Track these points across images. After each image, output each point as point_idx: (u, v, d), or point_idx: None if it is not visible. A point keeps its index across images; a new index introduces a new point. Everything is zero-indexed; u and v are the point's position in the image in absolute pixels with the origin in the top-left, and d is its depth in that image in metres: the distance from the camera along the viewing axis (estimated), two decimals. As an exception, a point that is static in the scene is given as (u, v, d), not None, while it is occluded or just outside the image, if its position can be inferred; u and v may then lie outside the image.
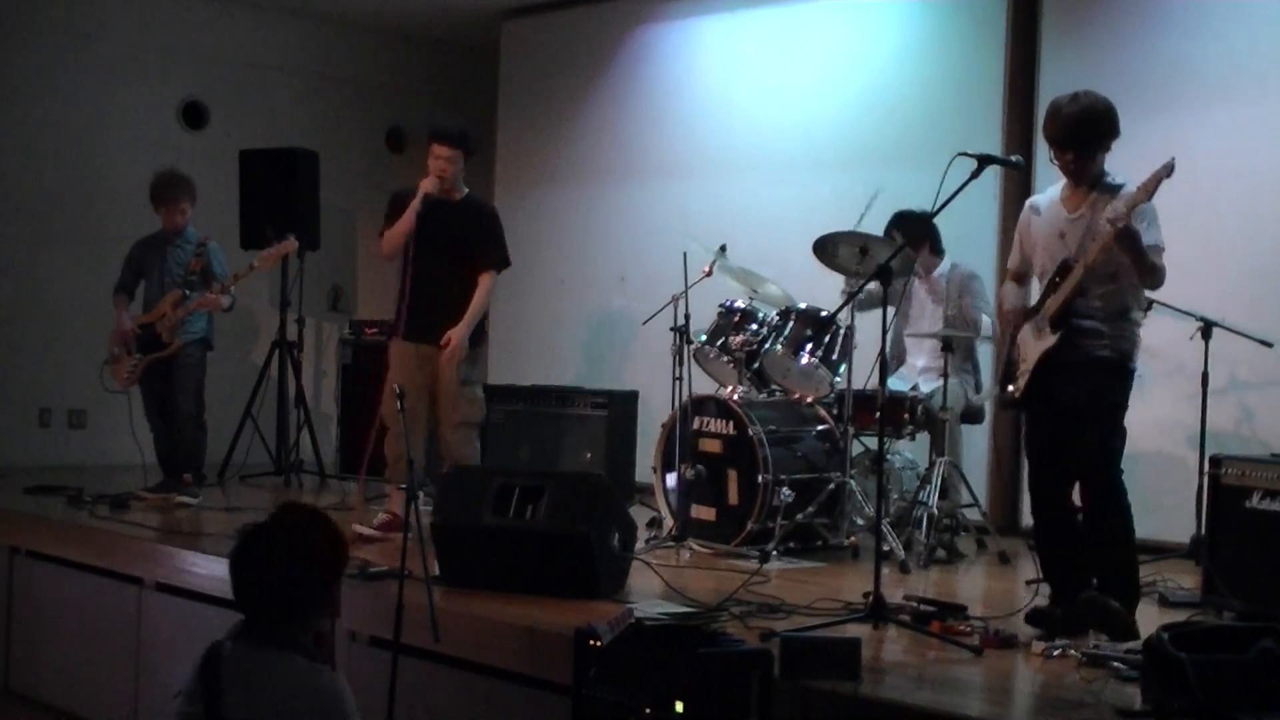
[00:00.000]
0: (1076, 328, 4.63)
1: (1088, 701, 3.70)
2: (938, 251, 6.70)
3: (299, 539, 3.13)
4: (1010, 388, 4.82)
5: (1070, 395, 4.61)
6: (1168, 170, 4.40)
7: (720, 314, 6.63)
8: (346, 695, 3.07)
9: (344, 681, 3.12)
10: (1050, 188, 4.90)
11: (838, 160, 7.91)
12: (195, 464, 7.30)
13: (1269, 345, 6.23)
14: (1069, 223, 4.71)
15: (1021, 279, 5.00)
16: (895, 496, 6.35)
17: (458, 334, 6.27)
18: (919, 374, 6.69)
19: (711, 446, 6.28)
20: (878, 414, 5.19)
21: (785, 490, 6.02)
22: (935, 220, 4.95)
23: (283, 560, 3.09)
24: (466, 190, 6.50)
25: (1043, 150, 6.99)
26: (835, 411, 6.39)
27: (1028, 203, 4.98)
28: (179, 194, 7.27)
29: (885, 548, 5.23)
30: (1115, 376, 4.67)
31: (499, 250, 6.45)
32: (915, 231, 6.25)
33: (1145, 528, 4.82)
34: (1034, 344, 4.73)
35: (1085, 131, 4.64)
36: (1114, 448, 4.65)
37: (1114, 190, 4.63)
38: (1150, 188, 4.41)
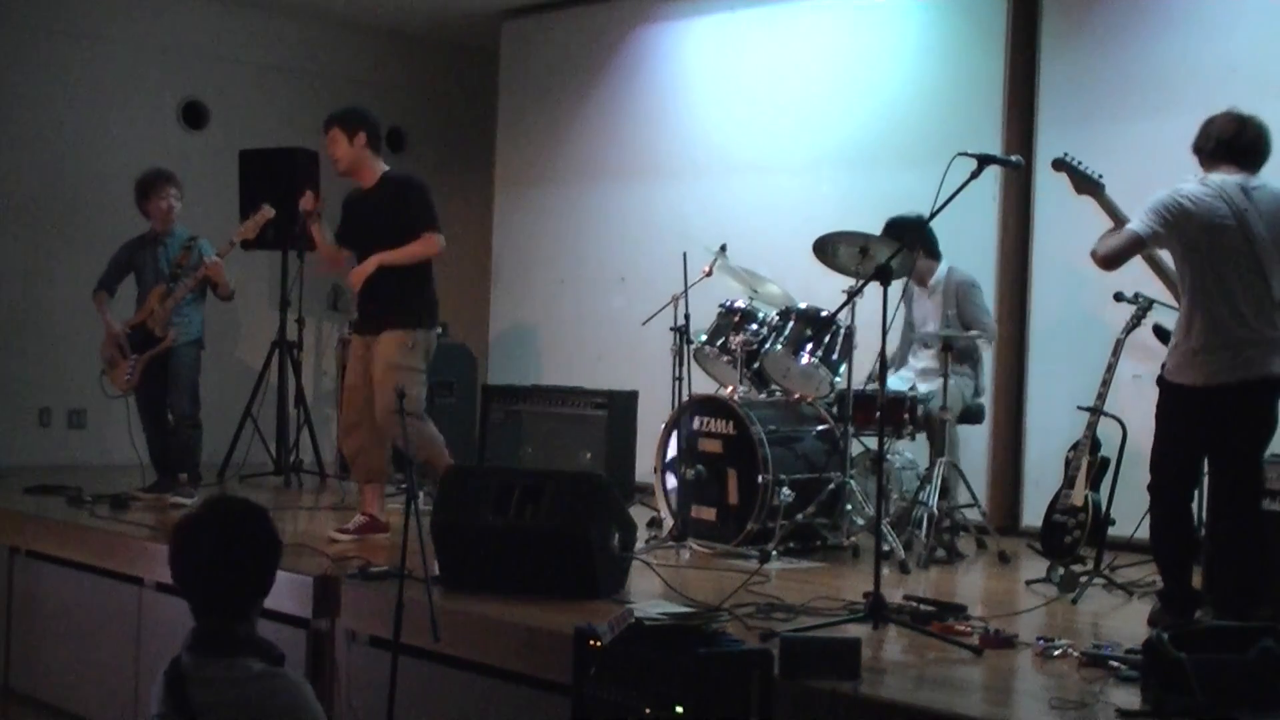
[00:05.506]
0: None
1: (1088, 701, 3.71)
2: (933, 255, 6.68)
3: (236, 528, 3.09)
4: None
5: None
6: None
7: (720, 314, 6.63)
8: (308, 695, 3.04)
9: (305, 682, 3.10)
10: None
11: (838, 160, 7.90)
12: (191, 464, 7.27)
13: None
14: None
15: None
16: (895, 496, 6.34)
17: (372, 261, 6.09)
18: (918, 375, 6.69)
19: (711, 446, 6.28)
20: (878, 414, 5.18)
21: (785, 490, 6.02)
22: (931, 222, 4.92)
23: (222, 549, 3.05)
24: (384, 169, 6.29)
25: (1043, 151, 7.07)
26: (835, 411, 6.39)
27: None
28: (166, 181, 7.26)
29: (885, 548, 5.23)
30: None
31: (426, 213, 6.15)
32: (907, 238, 6.16)
33: (1146, 527, 4.83)
34: None
35: None
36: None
37: None
38: None
